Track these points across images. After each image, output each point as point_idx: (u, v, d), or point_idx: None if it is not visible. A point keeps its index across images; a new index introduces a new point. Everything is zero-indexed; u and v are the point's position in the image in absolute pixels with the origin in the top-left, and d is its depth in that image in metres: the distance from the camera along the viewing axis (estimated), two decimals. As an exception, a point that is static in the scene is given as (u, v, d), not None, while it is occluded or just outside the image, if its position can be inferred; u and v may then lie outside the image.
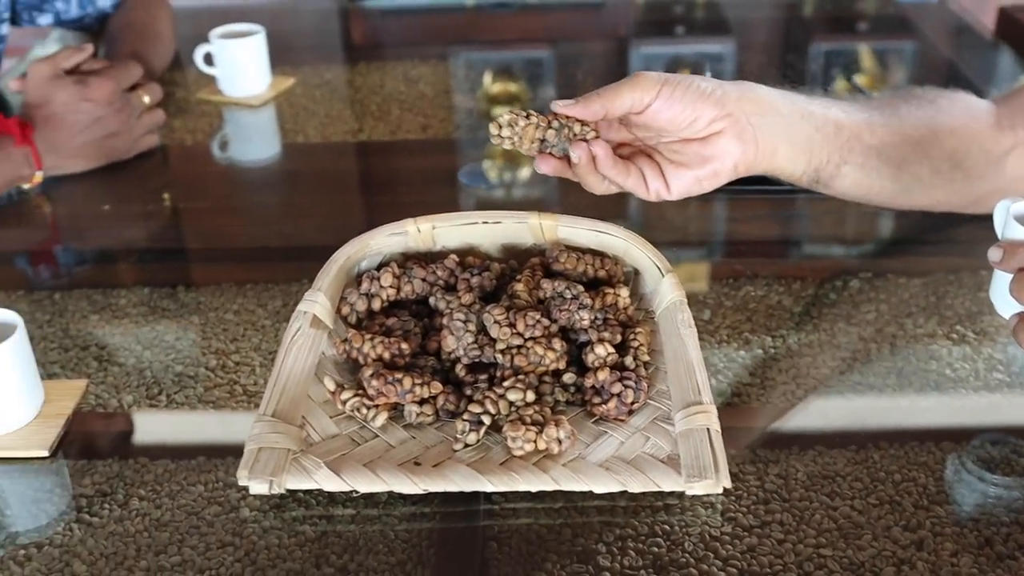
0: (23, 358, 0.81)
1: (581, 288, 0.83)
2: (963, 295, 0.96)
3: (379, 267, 0.91)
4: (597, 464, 0.74)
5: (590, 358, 0.80)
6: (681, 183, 0.84)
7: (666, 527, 0.72)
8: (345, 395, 0.78)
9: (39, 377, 0.84)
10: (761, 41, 1.73)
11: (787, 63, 1.61)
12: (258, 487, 0.73)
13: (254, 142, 1.40)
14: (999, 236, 0.81)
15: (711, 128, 0.82)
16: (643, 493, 0.73)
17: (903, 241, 1.10)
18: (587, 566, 0.69)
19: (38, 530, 0.74)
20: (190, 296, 1.01)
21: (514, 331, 0.80)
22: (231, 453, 0.77)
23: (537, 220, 0.91)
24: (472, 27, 1.80)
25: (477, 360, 0.81)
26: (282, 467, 0.73)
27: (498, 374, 0.80)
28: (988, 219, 0.85)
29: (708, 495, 0.73)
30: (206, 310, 0.99)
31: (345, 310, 0.87)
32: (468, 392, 0.79)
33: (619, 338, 0.83)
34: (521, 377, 0.78)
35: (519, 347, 0.80)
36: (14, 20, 1.46)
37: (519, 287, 0.85)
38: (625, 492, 0.73)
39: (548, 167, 0.83)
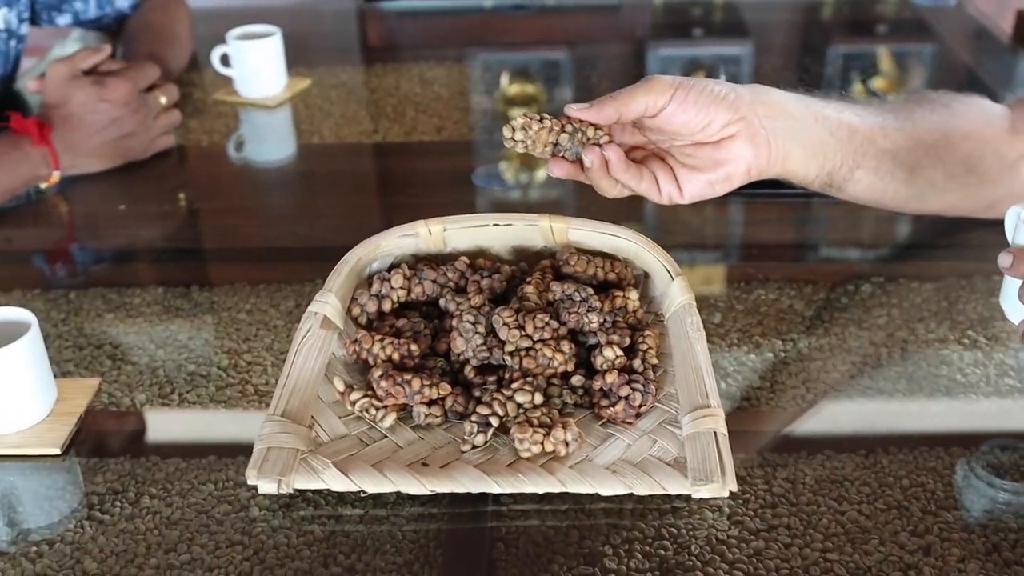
0: (36, 356, 0.82)
1: (590, 291, 0.84)
2: (975, 300, 0.96)
3: (390, 268, 0.91)
4: (604, 466, 0.74)
5: (599, 361, 0.81)
6: (694, 187, 0.84)
7: (673, 530, 0.72)
8: (354, 396, 0.78)
9: (52, 375, 0.84)
10: (779, 44, 1.72)
11: (804, 66, 1.61)
12: (267, 487, 0.73)
13: (269, 143, 1.40)
14: (1010, 241, 0.81)
15: (724, 132, 0.82)
16: (650, 496, 0.73)
17: (915, 245, 1.10)
18: (594, 568, 0.70)
19: (50, 527, 0.75)
20: (204, 296, 1.02)
21: (523, 333, 0.80)
22: (242, 452, 0.78)
23: (548, 223, 0.91)
24: (488, 29, 1.80)
25: (486, 362, 0.81)
26: (291, 467, 0.73)
27: (507, 376, 0.80)
28: (1001, 224, 0.84)
29: (715, 498, 0.73)
30: (219, 310, 1.00)
31: (355, 311, 0.88)
32: (476, 394, 0.80)
33: (628, 341, 0.83)
34: (529, 379, 0.78)
35: (528, 349, 0.80)
36: (33, 20, 1.47)
37: (529, 289, 0.85)
38: (632, 495, 0.73)
39: (561, 170, 0.84)
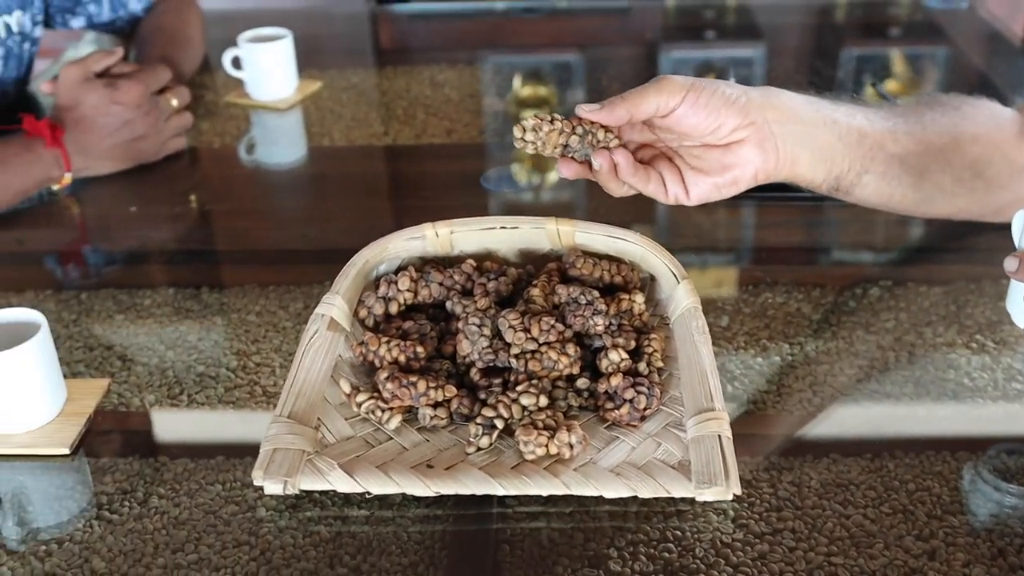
0: (46, 357, 0.82)
1: (596, 294, 0.84)
2: (983, 304, 0.96)
3: (397, 271, 0.92)
4: (608, 469, 0.74)
5: (604, 364, 0.81)
6: (700, 189, 0.84)
7: (677, 533, 0.72)
8: (360, 397, 0.79)
9: (62, 376, 0.85)
10: (792, 46, 1.72)
11: (817, 69, 1.60)
12: (272, 487, 0.74)
13: (280, 145, 1.41)
14: (1017, 246, 0.81)
15: (733, 136, 0.83)
16: (655, 499, 0.74)
17: (924, 249, 1.09)
18: (598, 571, 0.70)
19: (59, 526, 0.76)
20: (214, 297, 1.03)
21: (528, 336, 0.80)
22: (249, 453, 0.78)
23: (554, 226, 0.91)
24: (499, 32, 1.80)
25: (491, 364, 0.82)
26: (296, 468, 0.74)
27: (512, 378, 0.80)
28: (1010, 228, 0.84)
29: (720, 501, 0.74)
30: (229, 311, 1.00)
31: (362, 313, 0.88)
32: (482, 396, 0.80)
33: (633, 344, 0.83)
34: (534, 382, 0.79)
35: (533, 352, 0.80)
36: (48, 23, 1.48)
37: (535, 292, 0.85)
38: (637, 497, 0.73)
39: (570, 171, 0.84)
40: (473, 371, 0.82)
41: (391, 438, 0.78)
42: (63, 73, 1.22)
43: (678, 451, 0.76)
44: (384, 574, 0.70)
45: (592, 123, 0.82)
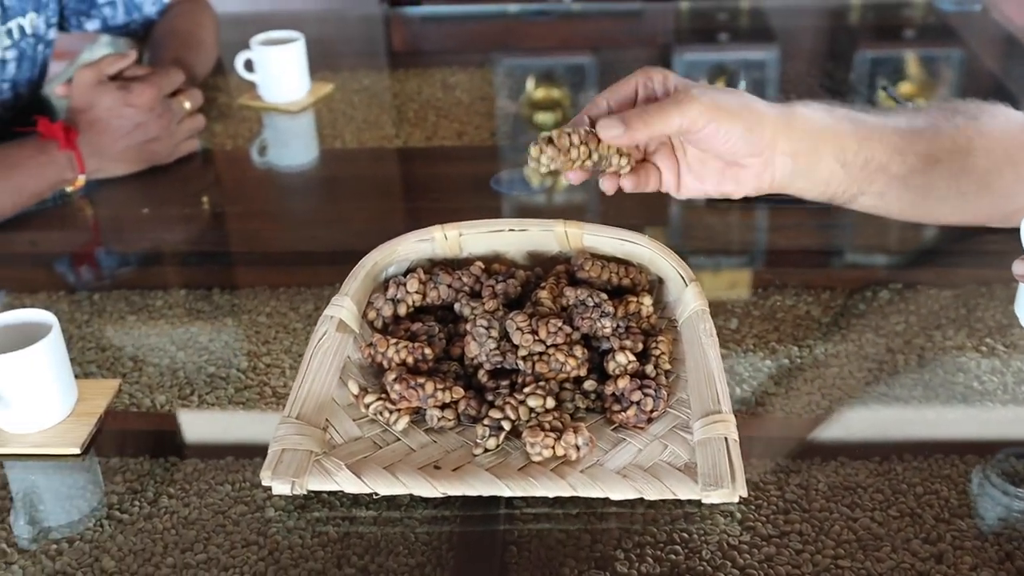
0: (57, 358, 0.83)
1: (604, 296, 0.84)
2: (994, 307, 0.96)
3: (406, 273, 0.92)
4: (614, 471, 0.74)
5: (611, 366, 0.81)
6: (692, 190, 0.88)
7: (684, 535, 0.72)
8: (368, 399, 0.79)
9: (73, 376, 0.86)
10: (805, 49, 1.72)
11: (830, 71, 1.60)
12: (280, 487, 0.74)
13: (292, 147, 1.42)
14: (1025, 249, 0.81)
15: (738, 162, 0.85)
16: (662, 501, 0.74)
17: (934, 252, 1.09)
18: (605, 572, 0.70)
19: (69, 525, 0.76)
20: (225, 298, 1.03)
21: (536, 338, 0.81)
22: (258, 454, 0.78)
23: (563, 228, 0.92)
24: (511, 35, 1.80)
25: (499, 366, 0.82)
26: (304, 468, 0.74)
27: (519, 380, 0.80)
28: (1019, 231, 0.84)
29: (727, 504, 0.74)
30: (240, 312, 1.01)
31: (371, 315, 0.89)
32: (489, 397, 0.80)
33: (641, 346, 0.83)
34: (542, 383, 0.79)
35: (541, 354, 0.80)
36: (63, 26, 1.49)
37: (543, 294, 0.86)
38: (644, 499, 0.73)
39: (577, 179, 0.85)
40: (481, 373, 0.82)
41: (399, 439, 0.79)
42: (77, 76, 1.22)
43: (685, 453, 0.76)
44: (391, 574, 0.71)
45: (609, 146, 0.82)
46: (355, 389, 0.80)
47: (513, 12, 1.87)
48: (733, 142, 0.82)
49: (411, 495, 0.75)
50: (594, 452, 0.76)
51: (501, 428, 0.76)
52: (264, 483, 0.74)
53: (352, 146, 1.36)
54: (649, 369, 0.81)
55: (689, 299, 0.86)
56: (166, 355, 0.94)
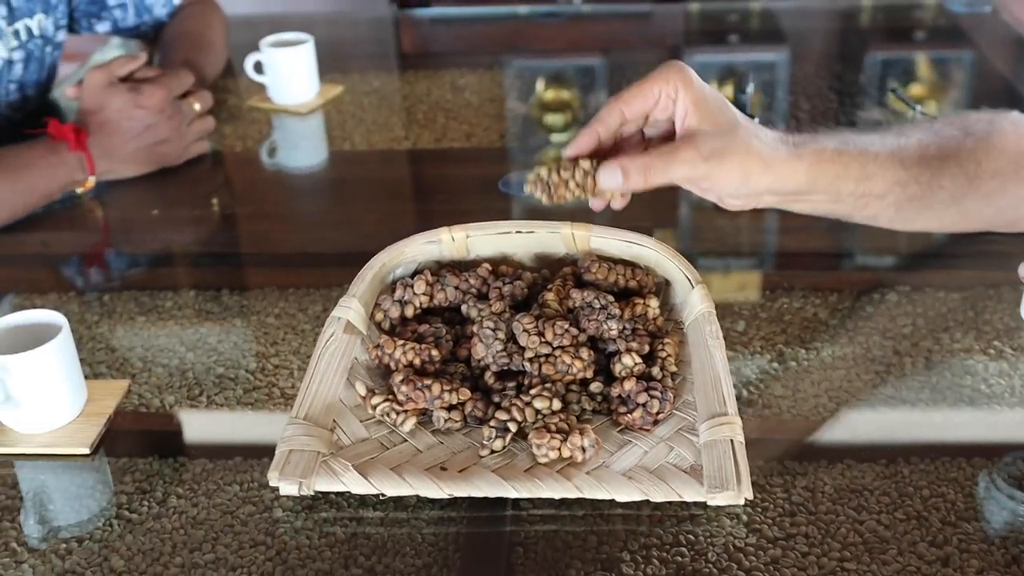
0: (67, 358, 0.83)
1: (610, 298, 0.84)
2: (1002, 310, 0.95)
3: (413, 274, 0.92)
4: (620, 473, 0.75)
5: (617, 368, 0.81)
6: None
7: (690, 537, 0.72)
8: (375, 400, 0.80)
9: (82, 377, 0.86)
10: (816, 50, 1.72)
11: (839, 73, 1.60)
12: (288, 488, 0.74)
13: (301, 149, 1.42)
14: (1031, 253, 0.80)
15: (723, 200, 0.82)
16: (668, 503, 0.74)
17: (942, 255, 1.09)
18: (611, 574, 0.70)
19: (79, 525, 0.77)
20: (234, 300, 1.04)
21: (542, 340, 0.81)
22: (266, 454, 0.79)
23: (570, 230, 0.92)
24: (521, 36, 1.81)
25: (505, 368, 0.82)
26: (311, 469, 0.74)
27: (526, 382, 0.81)
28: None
29: (732, 506, 0.74)
30: (249, 314, 1.01)
31: (379, 316, 0.89)
32: (496, 399, 0.80)
33: (647, 348, 0.83)
34: (548, 385, 0.79)
35: (547, 356, 0.81)
36: (73, 28, 1.50)
37: (549, 296, 0.86)
38: (649, 501, 0.73)
39: (598, 207, 0.84)
40: (487, 374, 0.82)
41: (405, 440, 0.79)
42: (87, 77, 1.23)
43: (690, 455, 0.76)
44: (398, 575, 0.71)
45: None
46: (362, 390, 0.80)
47: (522, 14, 1.87)
48: (726, 189, 0.80)
49: (418, 496, 0.75)
50: (600, 454, 0.76)
51: (507, 429, 0.77)
52: (272, 484, 0.75)
53: (361, 148, 1.36)
54: (655, 371, 0.81)
55: (695, 301, 0.86)
56: (175, 356, 0.95)
